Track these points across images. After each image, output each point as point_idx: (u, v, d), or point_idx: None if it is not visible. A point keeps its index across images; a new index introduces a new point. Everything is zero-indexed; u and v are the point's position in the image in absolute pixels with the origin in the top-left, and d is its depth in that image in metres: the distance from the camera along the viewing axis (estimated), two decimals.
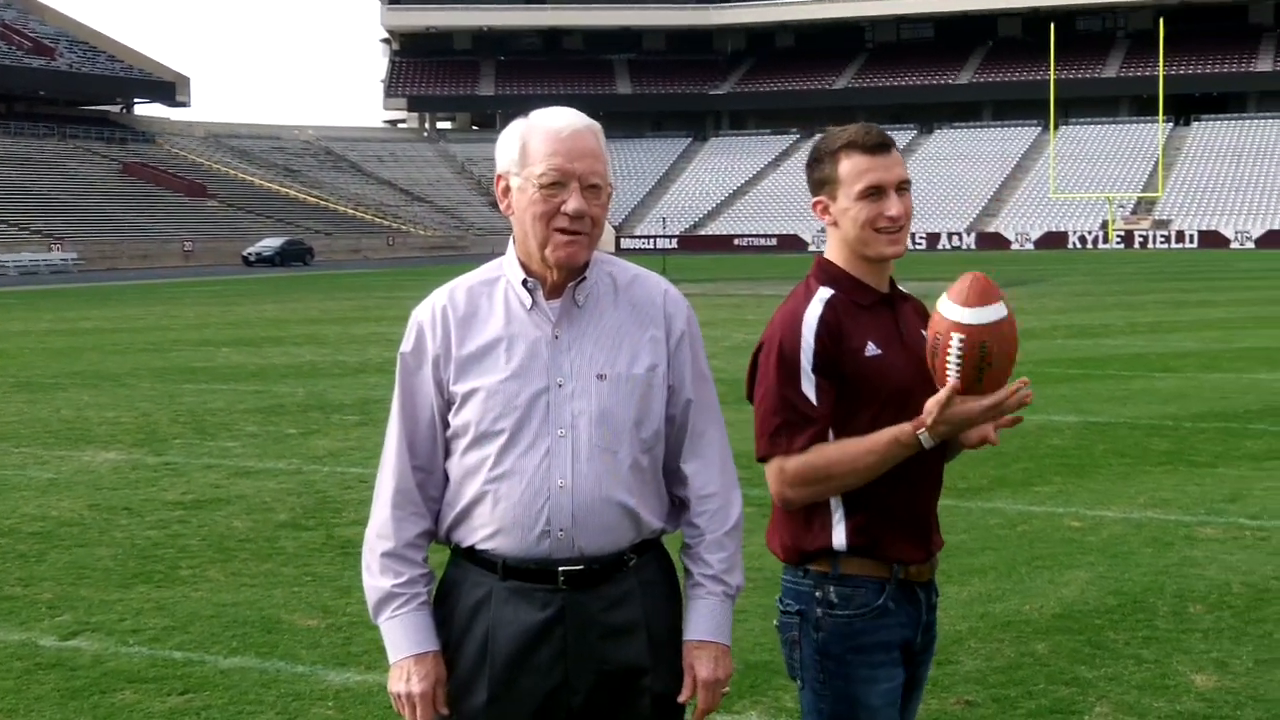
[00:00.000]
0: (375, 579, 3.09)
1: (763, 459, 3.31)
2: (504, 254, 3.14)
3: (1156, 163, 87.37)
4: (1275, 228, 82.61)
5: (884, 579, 3.34)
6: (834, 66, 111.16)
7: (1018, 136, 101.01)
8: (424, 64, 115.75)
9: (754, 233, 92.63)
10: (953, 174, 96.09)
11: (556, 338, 3.03)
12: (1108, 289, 38.71)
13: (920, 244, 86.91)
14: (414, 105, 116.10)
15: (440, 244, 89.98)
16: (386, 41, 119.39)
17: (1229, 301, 32.53)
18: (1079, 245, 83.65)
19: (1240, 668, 6.36)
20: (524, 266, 3.06)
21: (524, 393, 3.00)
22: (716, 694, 3.15)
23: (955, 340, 3.07)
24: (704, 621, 3.16)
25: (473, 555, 3.08)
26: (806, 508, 3.33)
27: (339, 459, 12.28)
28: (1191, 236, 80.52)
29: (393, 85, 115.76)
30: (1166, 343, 22.01)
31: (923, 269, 56.53)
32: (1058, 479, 10.91)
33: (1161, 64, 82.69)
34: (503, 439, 3.00)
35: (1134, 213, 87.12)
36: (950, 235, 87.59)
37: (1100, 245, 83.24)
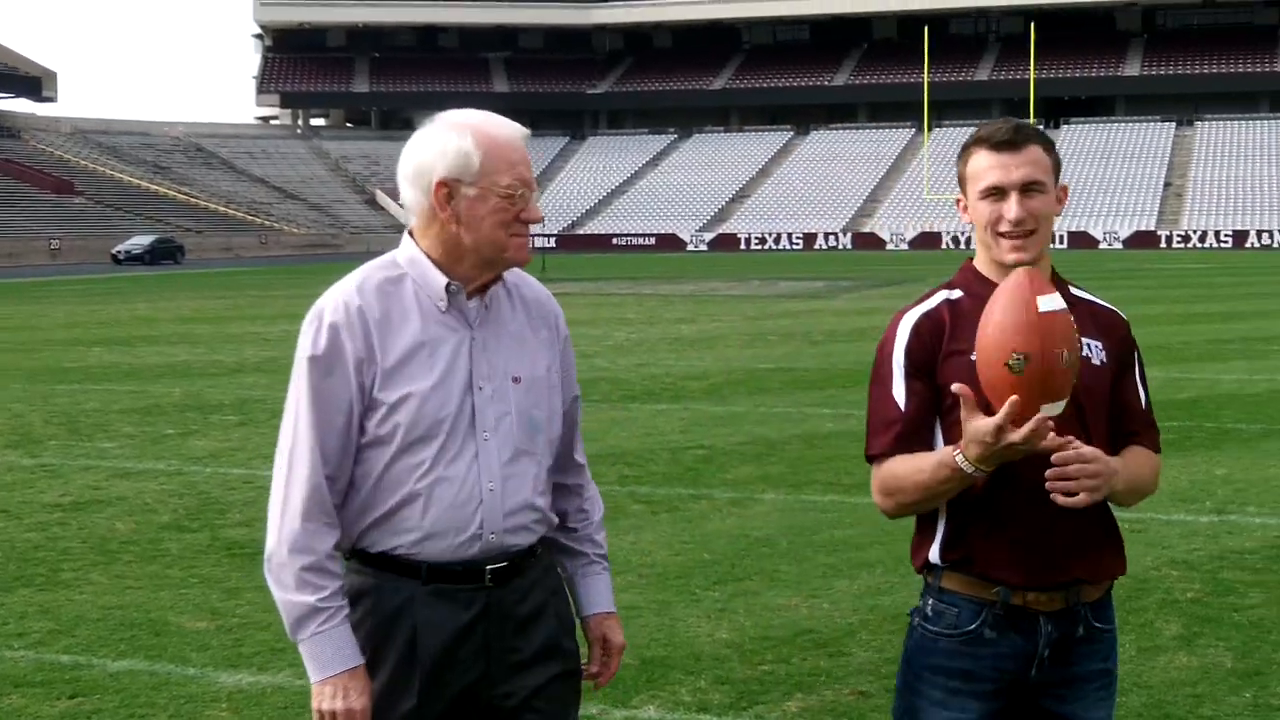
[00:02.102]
0: (293, 594, 2.96)
1: (869, 457, 3.18)
2: (391, 251, 3.13)
3: None
4: (1143, 228, 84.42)
5: (987, 602, 3.10)
6: (711, 67, 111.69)
7: (892, 138, 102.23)
8: (297, 60, 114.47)
9: (632, 232, 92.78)
10: (829, 175, 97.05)
11: (474, 340, 3.07)
12: None
13: (797, 244, 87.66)
14: (287, 102, 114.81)
15: (314, 242, 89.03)
16: (259, 37, 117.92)
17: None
18: (952, 245, 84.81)
19: (1123, 655, 6.49)
20: (442, 269, 3.05)
21: (452, 397, 3.01)
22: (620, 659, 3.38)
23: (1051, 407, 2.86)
24: (605, 594, 3.35)
25: (387, 561, 3.04)
26: (920, 515, 3.19)
27: (220, 460, 12.12)
28: (1061, 237, 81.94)
29: (265, 81, 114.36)
30: None
31: (799, 268, 57.25)
32: None
33: (1033, 67, 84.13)
34: (436, 444, 2.99)
35: None
36: (827, 235, 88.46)
37: (973, 245, 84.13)
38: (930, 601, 3.18)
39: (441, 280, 3.04)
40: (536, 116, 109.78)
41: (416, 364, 3.00)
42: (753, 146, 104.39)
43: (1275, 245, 79.71)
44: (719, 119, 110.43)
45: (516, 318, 3.16)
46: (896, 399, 3.11)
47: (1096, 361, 3.17)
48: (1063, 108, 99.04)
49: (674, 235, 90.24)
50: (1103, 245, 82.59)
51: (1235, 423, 13.46)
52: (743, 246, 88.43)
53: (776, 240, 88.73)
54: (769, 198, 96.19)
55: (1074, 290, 3.25)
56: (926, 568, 3.20)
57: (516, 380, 3.09)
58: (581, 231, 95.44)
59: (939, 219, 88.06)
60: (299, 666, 6.40)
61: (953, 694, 3.13)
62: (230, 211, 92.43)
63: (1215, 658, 6.56)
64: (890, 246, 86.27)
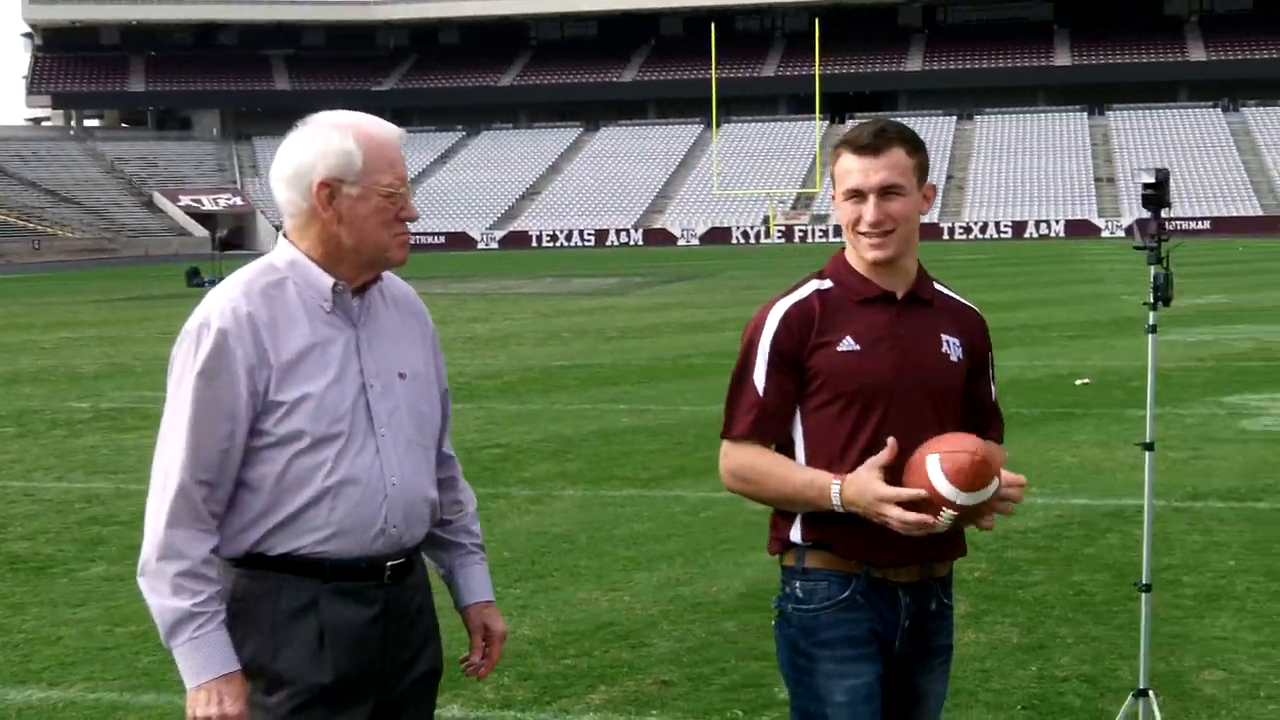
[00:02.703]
0: (169, 600, 2.94)
1: (723, 434, 3.35)
2: (266, 256, 3.12)
3: (814, 159, 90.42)
4: (926, 220, 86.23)
5: (852, 574, 3.26)
6: (499, 64, 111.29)
7: (681, 134, 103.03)
8: (69, 59, 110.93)
9: (421, 230, 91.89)
10: (619, 171, 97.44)
11: (360, 339, 3.10)
12: (772, 283, 39.80)
13: (589, 240, 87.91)
14: (59, 102, 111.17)
15: (90, 247, 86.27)
16: (29, 36, 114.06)
17: None
18: (742, 241, 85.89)
19: None
20: (325, 269, 3.07)
21: (348, 395, 3.04)
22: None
23: (945, 514, 3.10)
24: (484, 584, 3.39)
25: (289, 562, 3.02)
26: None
27: None
28: (839, 229, 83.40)
29: (36, 82, 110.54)
30: None
31: (591, 265, 57.42)
32: None
33: (818, 63, 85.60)
34: (340, 442, 3.01)
35: (794, 208, 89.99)
36: (618, 232, 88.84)
37: (763, 240, 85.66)
38: (797, 584, 3.30)
39: (327, 280, 3.06)
40: None
41: (310, 364, 3.01)
42: (542, 143, 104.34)
43: (1053, 235, 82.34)
44: (507, 116, 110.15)
45: (391, 316, 3.21)
46: (757, 386, 3.26)
47: (954, 359, 3.37)
48: (847, 103, 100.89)
49: (464, 233, 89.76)
50: None
51: (1016, 408, 13.88)
52: (534, 244, 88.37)
53: (568, 237, 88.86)
54: (559, 195, 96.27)
55: (937, 286, 3.42)
56: (787, 548, 3.32)
57: (403, 376, 3.15)
58: None
59: (729, 214, 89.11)
60: (92, 680, 6.28)
61: (845, 661, 3.24)
62: (0, 217, 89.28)
63: (1002, 633, 6.79)
64: (681, 242, 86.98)
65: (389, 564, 3.09)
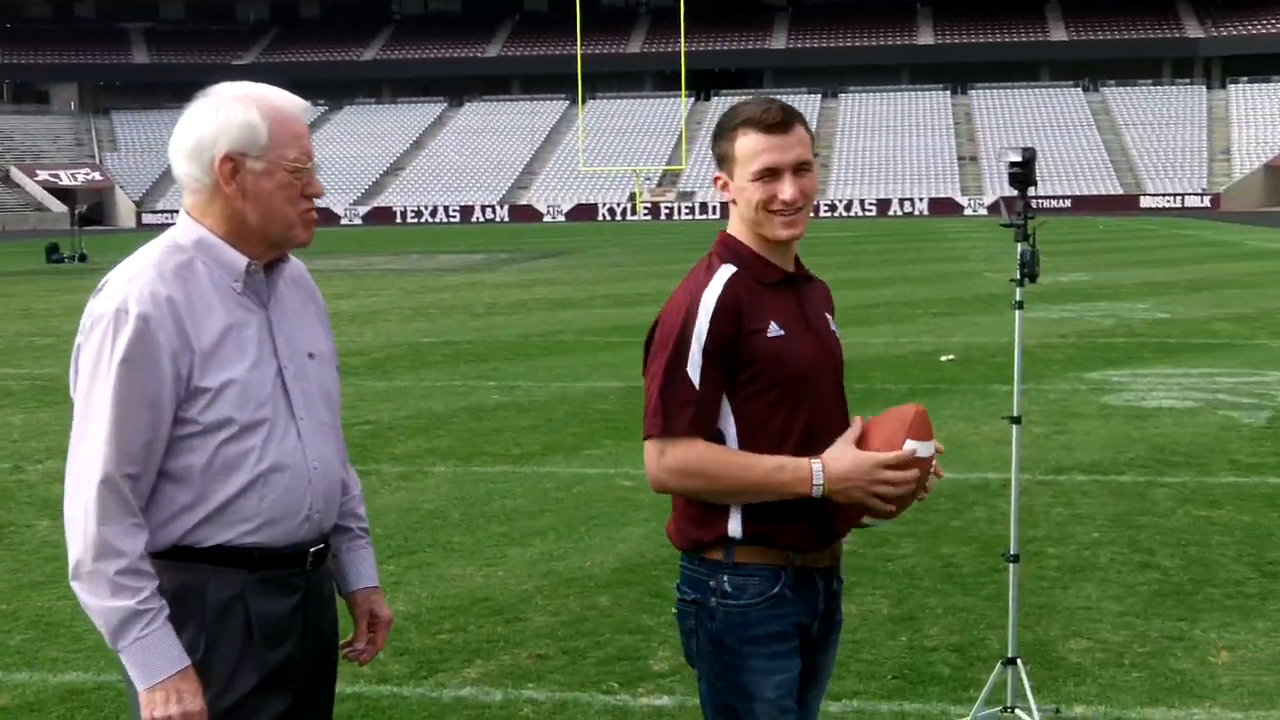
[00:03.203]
0: (111, 600, 2.79)
1: (645, 438, 3.21)
2: (168, 234, 2.99)
3: (680, 136, 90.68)
4: None
5: (780, 566, 3.22)
6: (361, 38, 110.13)
7: (547, 110, 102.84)
8: None
9: None
10: (484, 147, 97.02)
11: (270, 320, 3.00)
12: (639, 259, 39.98)
13: (454, 217, 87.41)
14: None
15: None
16: None
17: None
18: (608, 217, 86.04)
19: None
20: (235, 247, 2.96)
21: (267, 379, 2.95)
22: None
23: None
24: (371, 569, 3.31)
25: (217, 554, 2.91)
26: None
27: None
28: (714, 208, 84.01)
29: None
30: None
31: (457, 241, 57.11)
32: (608, 442, 11.25)
33: (684, 41, 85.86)
34: (265, 428, 2.92)
35: (660, 185, 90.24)
36: (484, 208, 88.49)
37: (629, 217, 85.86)
38: (725, 578, 3.20)
39: (241, 260, 2.95)
40: (179, 88, 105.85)
41: (230, 348, 2.90)
42: (406, 119, 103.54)
43: (917, 213, 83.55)
44: (370, 91, 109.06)
45: (292, 295, 3.11)
46: (692, 380, 3.14)
47: (838, 335, 3.41)
48: (713, 80, 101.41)
49: (327, 209, 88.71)
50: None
51: (883, 384, 14.08)
52: (398, 220, 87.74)
53: (433, 213, 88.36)
54: (424, 170, 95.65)
55: (807, 269, 3.40)
56: (716, 544, 3.22)
57: (312, 356, 3.07)
58: None
59: (595, 191, 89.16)
60: None
61: (776, 657, 3.20)
62: None
63: (872, 605, 6.89)
64: (547, 219, 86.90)
65: (311, 550, 3.03)
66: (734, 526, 3.19)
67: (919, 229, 61.15)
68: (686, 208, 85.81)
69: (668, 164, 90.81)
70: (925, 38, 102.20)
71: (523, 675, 6.01)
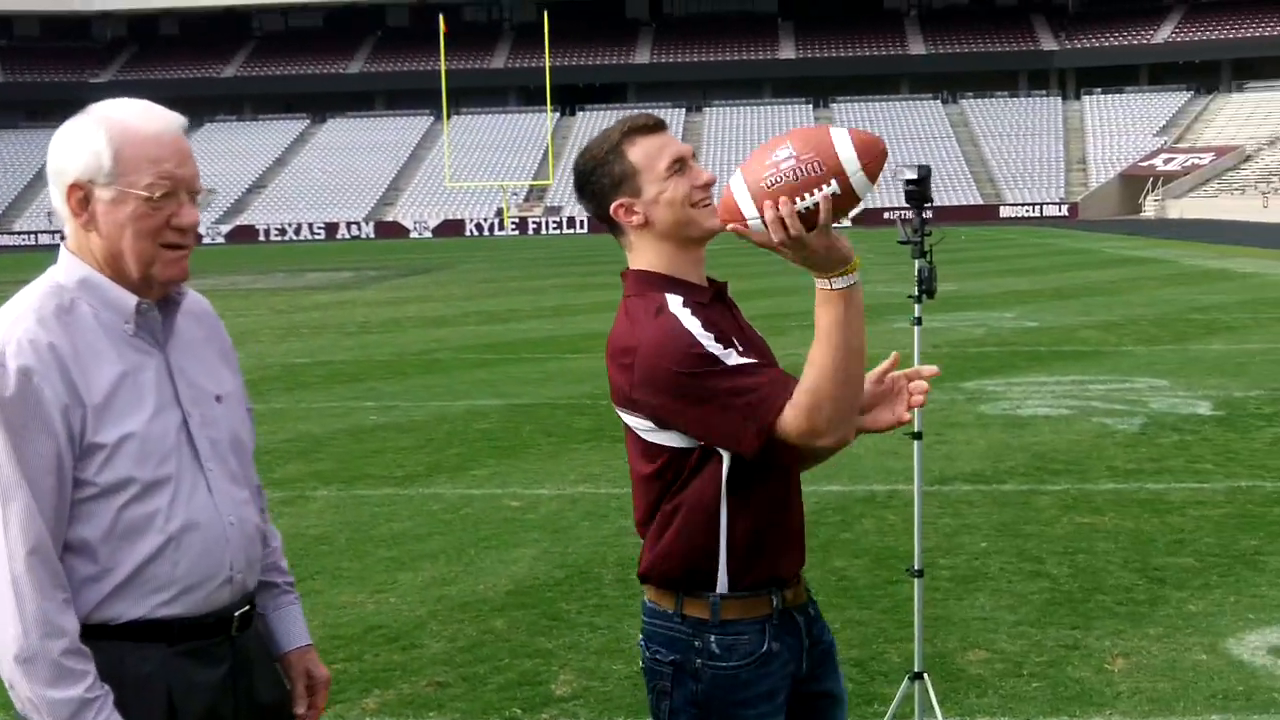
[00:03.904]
0: (55, 691, 2.49)
1: (761, 445, 2.91)
2: (47, 274, 2.71)
3: (546, 151, 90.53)
4: None
5: (765, 617, 3.07)
6: (222, 55, 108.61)
7: (411, 126, 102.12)
8: None
9: None
10: (348, 164, 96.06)
11: (170, 362, 2.72)
12: (509, 275, 39.80)
13: (319, 234, 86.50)
14: None
15: None
16: None
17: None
18: (476, 233, 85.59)
19: None
20: (121, 285, 2.68)
21: (170, 429, 2.65)
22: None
23: (832, 186, 2.77)
24: (302, 627, 3.06)
25: (130, 630, 2.62)
26: (684, 542, 3.03)
27: None
28: (581, 222, 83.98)
29: None
30: (573, 325, 22.83)
31: (324, 258, 56.47)
32: (491, 461, 11.16)
33: (547, 55, 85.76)
34: (171, 486, 2.63)
35: (527, 200, 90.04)
36: (349, 225, 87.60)
37: (497, 232, 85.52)
38: (713, 639, 3.05)
39: (130, 300, 2.66)
40: (35, 107, 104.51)
41: (125, 398, 2.61)
42: (268, 135, 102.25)
43: None
44: (231, 108, 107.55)
45: (193, 332, 2.82)
46: (734, 362, 2.94)
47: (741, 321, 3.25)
48: (578, 95, 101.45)
49: None
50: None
51: None
52: (262, 238, 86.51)
53: (297, 231, 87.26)
54: (287, 188, 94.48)
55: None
56: (701, 598, 3.07)
57: (219, 399, 2.78)
58: None
59: (462, 206, 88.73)
60: None
61: (765, 717, 3.08)
62: None
63: None
64: (414, 235, 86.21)
65: (236, 614, 2.75)
66: (722, 583, 3.05)
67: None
68: (554, 222, 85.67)
69: (534, 179, 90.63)
70: (787, 52, 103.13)
71: (423, 704, 5.91)
